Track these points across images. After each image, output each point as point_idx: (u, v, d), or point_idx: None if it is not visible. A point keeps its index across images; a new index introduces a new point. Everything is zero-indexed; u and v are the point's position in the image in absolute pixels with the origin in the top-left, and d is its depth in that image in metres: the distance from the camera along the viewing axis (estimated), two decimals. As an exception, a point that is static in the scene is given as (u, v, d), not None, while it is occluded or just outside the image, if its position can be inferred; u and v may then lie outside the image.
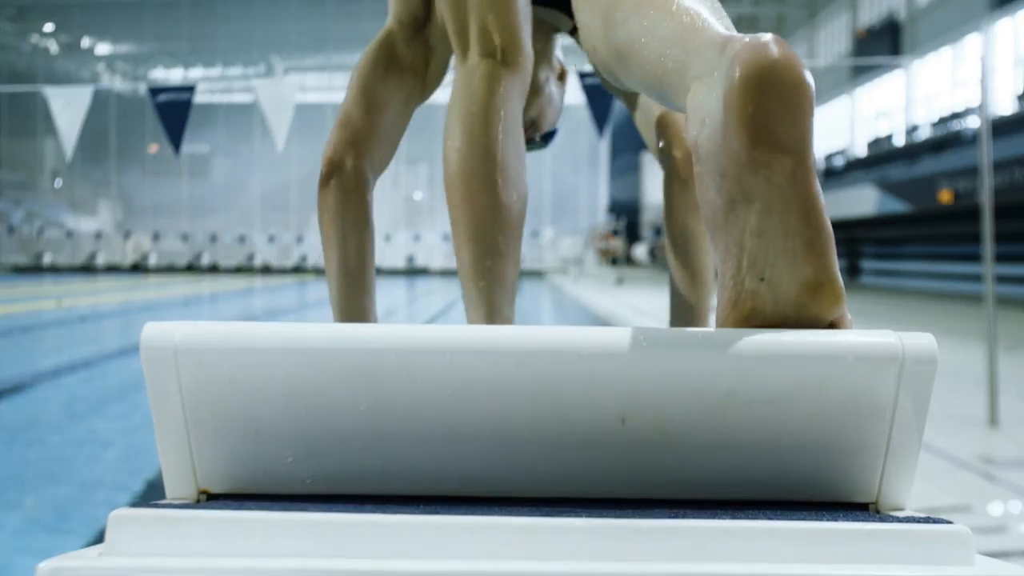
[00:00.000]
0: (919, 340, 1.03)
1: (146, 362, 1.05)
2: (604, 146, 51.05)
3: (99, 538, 1.01)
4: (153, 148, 46.54)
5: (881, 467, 1.06)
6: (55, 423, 7.36)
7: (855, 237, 29.80)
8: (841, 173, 31.56)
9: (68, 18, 43.81)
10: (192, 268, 42.49)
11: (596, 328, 1.06)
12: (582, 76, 9.11)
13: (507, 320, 1.79)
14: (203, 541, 0.95)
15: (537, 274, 40.91)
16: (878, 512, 1.06)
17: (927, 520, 0.97)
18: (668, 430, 1.04)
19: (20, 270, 40.81)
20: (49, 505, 5.02)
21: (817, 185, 1.09)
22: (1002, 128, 18.46)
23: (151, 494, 5.01)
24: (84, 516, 4.84)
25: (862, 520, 0.97)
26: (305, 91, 44.42)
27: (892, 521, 0.96)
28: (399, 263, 42.90)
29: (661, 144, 2.33)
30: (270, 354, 1.05)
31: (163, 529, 0.96)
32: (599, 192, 53.18)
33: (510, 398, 1.04)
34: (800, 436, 1.04)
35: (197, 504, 1.08)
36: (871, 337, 1.03)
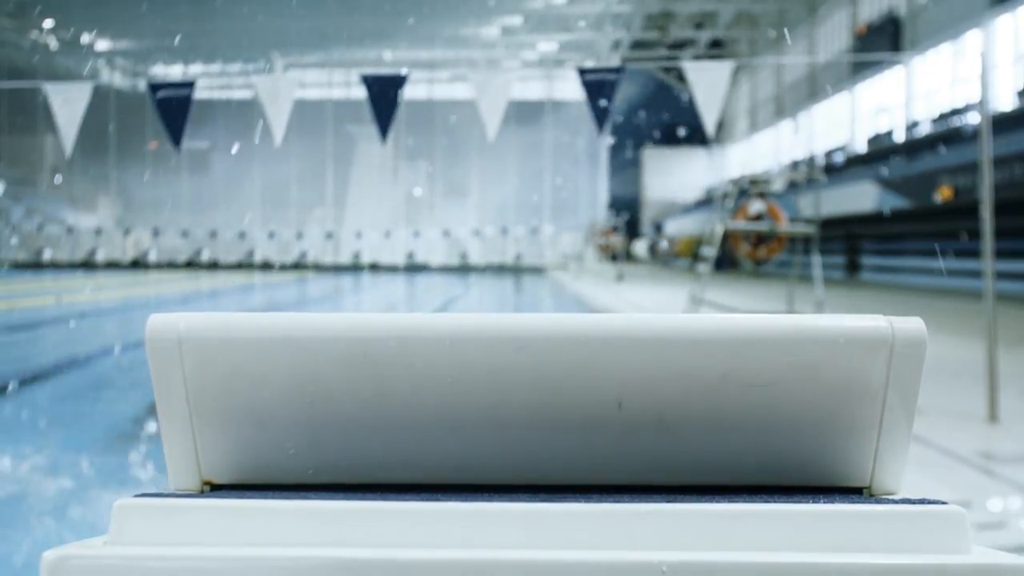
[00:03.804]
0: (908, 324, 1.04)
1: (151, 352, 1.06)
2: (604, 142, 51.02)
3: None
4: (153, 144, 46.49)
5: (874, 449, 1.07)
6: (54, 417, 7.36)
7: (855, 233, 29.78)
8: (841, 169, 31.54)
9: (68, 14, 43.72)
10: (192, 264, 42.47)
11: (593, 315, 1.07)
12: (582, 72, 9.12)
13: None
14: (206, 530, 0.96)
15: (537, 270, 40.89)
16: (872, 496, 1.08)
17: (922, 501, 0.98)
18: (664, 414, 1.06)
19: (20, 266, 40.79)
20: (47, 501, 5.02)
21: None
22: (1002, 124, 18.45)
23: (153, 486, 5.02)
24: (84, 511, 4.85)
25: (857, 503, 0.98)
26: (305, 87, 44.43)
27: (887, 503, 0.97)
28: (399, 259, 42.87)
29: None
30: (273, 344, 1.05)
31: (167, 518, 0.96)
32: (599, 188, 53.15)
33: (509, 384, 1.05)
34: (793, 419, 1.06)
35: (200, 494, 1.09)
36: (862, 321, 1.05)
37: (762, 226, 14.70)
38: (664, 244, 50.10)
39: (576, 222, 48.51)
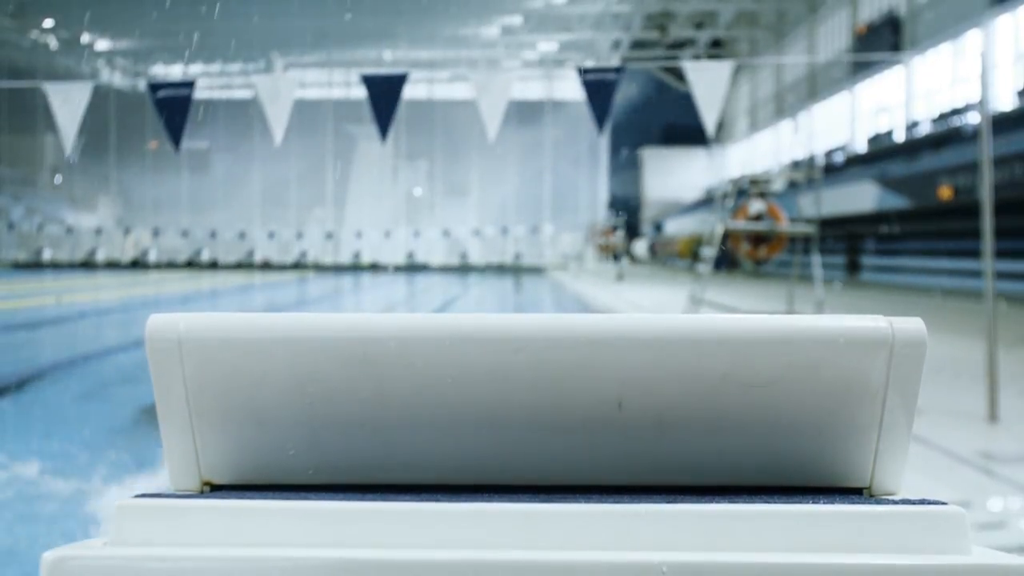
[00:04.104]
0: (908, 324, 1.04)
1: (151, 353, 1.05)
2: (604, 142, 51.02)
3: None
4: (153, 144, 46.49)
5: (874, 450, 1.07)
6: (55, 419, 7.36)
7: (855, 233, 29.77)
8: (841, 169, 31.53)
9: (68, 14, 43.70)
10: (192, 264, 42.47)
11: (593, 315, 1.07)
12: (582, 72, 9.12)
13: None
14: (206, 530, 0.96)
15: (537, 270, 40.90)
16: (872, 496, 1.08)
17: (922, 502, 0.98)
18: (664, 415, 1.06)
19: (20, 266, 40.79)
20: (46, 501, 5.03)
21: None
22: (1002, 124, 18.45)
23: (152, 486, 5.01)
24: (81, 511, 4.85)
25: (857, 503, 0.98)
26: (305, 87, 44.42)
27: (887, 503, 0.98)
28: (399, 259, 42.87)
29: None
30: (273, 344, 1.05)
31: (167, 519, 0.96)
32: (599, 188, 53.15)
33: (509, 385, 1.05)
34: (793, 419, 1.06)
35: (200, 494, 1.09)
36: (862, 321, 1.05)
37: (762, 226, 14.70)
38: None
39: (576, 222, 48.50)
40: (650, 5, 42.21)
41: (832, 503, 0.98)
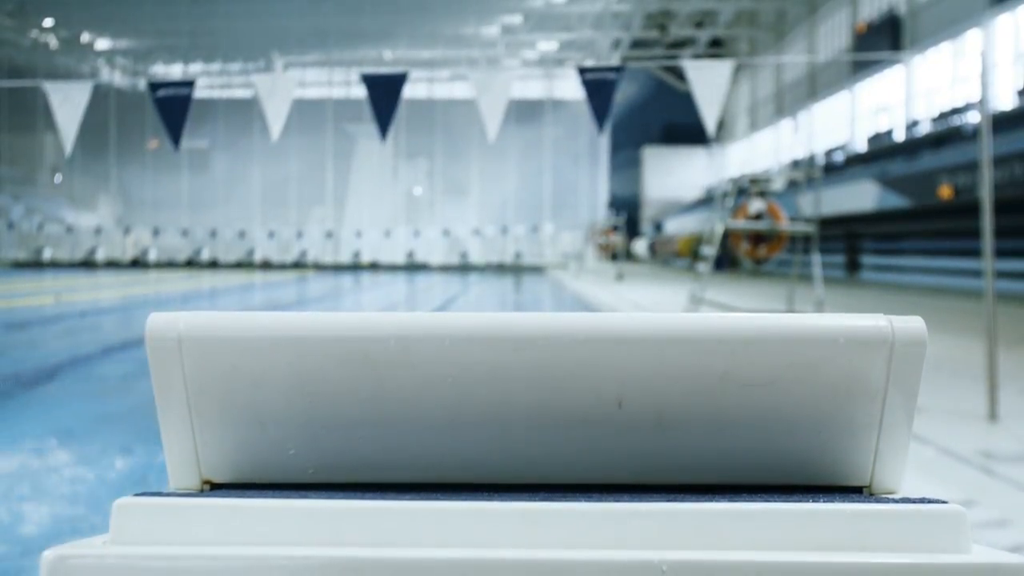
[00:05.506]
0: (909, 323, 1.04)
1: (151, 351, 1.05)
2: (604, 141, 51.02)
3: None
4: (153, 143, 46.49)
5: (874, 448, 1.07)
6: (54, 419, 7.36)
7: (855, 232, 29.78)
8: (841, 168, 31.53)
9: (68, 13, 43.71)
10: (192, 263, 42.48)
11: (592, 314, 1.07)
12: (582, 71, 9.13)
13: None
14: (206, 529, 0.96)
15: (537, 269, 40.90)
16: (872, 495, 1.08)
17: (922, 501, 0.98)
18: (664, 413, 1.06)
19: (20, 265, 40.80)
20: (46, 500, 5.03)
21: None
22: (1002, 123, 18.45)
23: (153, 485, 5.01)
24: (78, 511, 4.85)
25: (857, 502, 0.98)
26: (305, 86, 44.43)
27: (887, 502, 0.98)
28: (399, 259, 42.88)
29: None
30: (273, 343, 1.05)
31: (167, 518, 0.96)
32: (599, 187, 53.15)
33: (509, 383, 1.05)
34: (793, 418, 1.06)
35: (200, 493, 1.09)
36: (862, 320, 1.05)
37: (762, 225, 14.71)
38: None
39: (576, 221, 48.51)
40: (650, 4, 42.22)
41: (832, 502, 0.98)
